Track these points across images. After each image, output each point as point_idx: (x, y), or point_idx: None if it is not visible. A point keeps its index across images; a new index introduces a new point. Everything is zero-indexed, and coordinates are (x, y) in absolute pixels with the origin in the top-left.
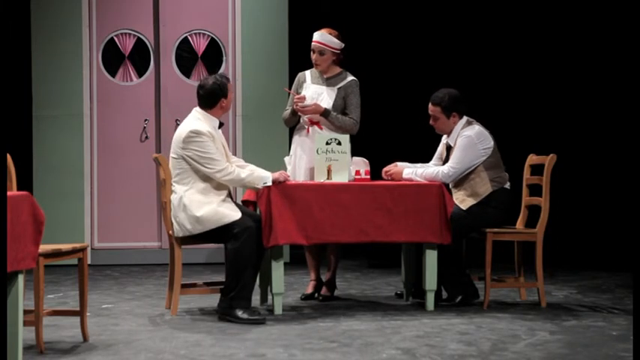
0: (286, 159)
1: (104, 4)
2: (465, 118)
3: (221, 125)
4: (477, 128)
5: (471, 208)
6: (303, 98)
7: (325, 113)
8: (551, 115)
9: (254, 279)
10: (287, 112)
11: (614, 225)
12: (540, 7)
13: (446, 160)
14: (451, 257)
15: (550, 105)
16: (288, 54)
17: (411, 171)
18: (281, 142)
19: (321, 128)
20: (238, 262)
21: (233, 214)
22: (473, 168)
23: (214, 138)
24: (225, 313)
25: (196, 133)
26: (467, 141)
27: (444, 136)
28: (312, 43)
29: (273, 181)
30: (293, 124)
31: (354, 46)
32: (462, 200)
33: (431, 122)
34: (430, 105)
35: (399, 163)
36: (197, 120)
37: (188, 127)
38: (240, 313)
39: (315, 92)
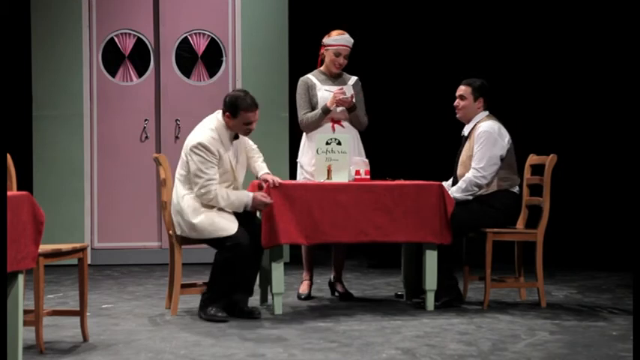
0: (300, 160)
1: (104, 4)
2: (486, 112)
3: (236, 137)
4: (493, 123)
5: (471, 208)
6: (344, 91)
7: (353, 107)
8: (551, 115)
9: (234, 288)
10: (312, 114)
11: (614, 225)
12: (540, 8)
13: (458, 155)
14: (444, 257)
15: (550, 105)
16: (289, 54)
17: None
18: (281, 142)
19: (343, 127)
20: (221, 272)
21: (229, 226)
22: (498, 165)
23: (221, 158)
24: (200, 311)
25: (203, 148)
26: (486, 136)
27: (463, 131)
28: (341, 48)
29: (254, 206)
30: (316, 127)
31: (356, 45)
32: None
33: (455, 103)
34: (461, 85)
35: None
36: (210, 131)
37: (199, 137)
38: (208, 310)
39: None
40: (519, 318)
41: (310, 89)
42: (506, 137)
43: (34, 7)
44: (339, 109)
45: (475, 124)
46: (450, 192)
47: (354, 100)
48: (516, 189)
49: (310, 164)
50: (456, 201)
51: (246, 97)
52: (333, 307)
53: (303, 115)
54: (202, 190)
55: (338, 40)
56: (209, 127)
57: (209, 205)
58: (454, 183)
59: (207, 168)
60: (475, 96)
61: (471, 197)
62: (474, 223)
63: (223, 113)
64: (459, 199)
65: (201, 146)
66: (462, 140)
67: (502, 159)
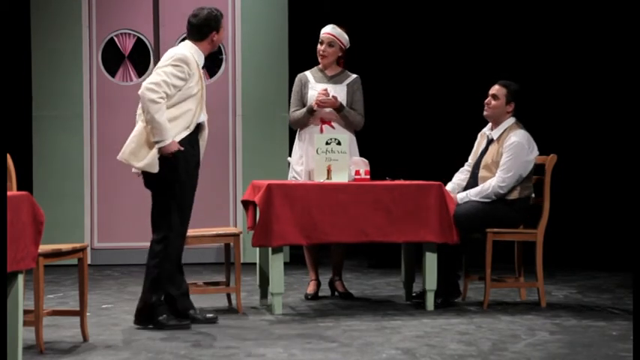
0: (290, 159)
1: (104, 4)
2: (514, 118)
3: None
4: (525, 134)
5: (497, 206)
6: (327, 93)
7: (340, 108)
8: (551, 115)
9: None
10: (299, 112)
11: (614, 225)
12: (540, 8)
13: (482, 155)
14: (452, 255)
15: (550, 105)
16: (288, 54)
17: (464, 194)
18: (281, 142)
19: (333, 127)
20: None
21: (150, 162)
22: (523, 177)
23: (201, 78)
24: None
25: (183, 62)
26: (519, 148)
27: (484, 129)
28: (322, 35)
29: (166, 147)
30: (303, 125)
31: (356, 46)
32: None
33: (487, 101)
34: (496, 85)
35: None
36: (190, 49)
37: (177, 51)
38: (168, 320)
39: None
40: (519, 318)
41: (304, 87)
42: (535, 150)
43: (34, 6)
44: (328, 109)
45: (505, 130)
46: (466, 194)
47: (339, 100)
48: (532, 194)
49: (298, 163)
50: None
51: (213, 10)
52: (333, 307)
53: (292, 112)
54: (154, 87)
55: (322, 29)
56: (188, 48)
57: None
58: (473, 184)
59: (175, 79)
60: (508, 99)
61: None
62: (494, 224)
63: (206, 36)
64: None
65: (180, 61)
66: (485, 141)
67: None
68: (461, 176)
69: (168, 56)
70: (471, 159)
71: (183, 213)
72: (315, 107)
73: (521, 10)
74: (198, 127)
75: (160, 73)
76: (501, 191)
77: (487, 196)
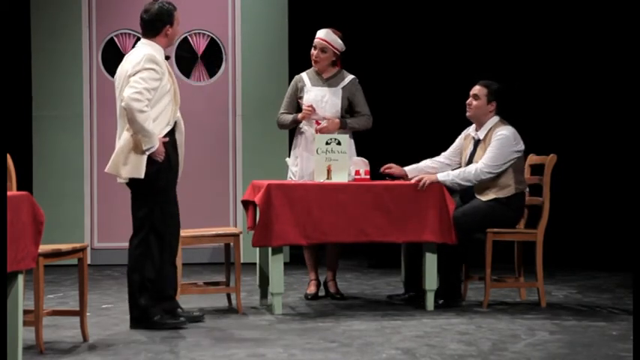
0: (288, 160)
1: (104, 4)
2: (497, 117)
3: (167, 58)
4: (512, 129)
5: (494, 206)
6: (312, 110)
7: (343, 125)
8: (551, 115)
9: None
10: (286, 116)
11: (614, 225)
12: (540, 7)
13: (471, 157)
14: (452, 256)
15: (550, 105)
16: (288, 54)
17: (445, 174)
18: (281, 142)
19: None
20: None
21: (136, 169)
22: (505, 168)
23: (170, 74)
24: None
25: (154, 62)
26: (504, 140)
27: (469, 130)
28: (315, 40)
29: (155, 151)
30: (287, 128)
31: (355, 45)
32: (483, 192)
33: (468, 102)
34: (477, 85)
35: (406, 168)
36: (151, 47)
37: (143, 53)
38: (164, 320)
39: (318, 95)
40: (519, 318)
41: (299, 90)
42: (521, 145)
43: (34, 6)
44: (322, 115)
45: (490, 130)
46: (447, 173)
47: (333, 108)
48: (527, 189)
49: (294, 164)
50: (474, 199)
51: (164, 4)
52: (333, 307)
53: (280, 113)
54: (138, 96)
55: (317, 33)
56: (148, 47)
57: (138, 146)
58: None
59: (153, 82)
60: (489, 99)
61: (457, 187)
62: (493, 224)
63: (159, 31)
64: (448, 184)
65: (152, 62)
66: (472, 143)
67: (511, 165)
68: (429, 163)
69: (136, 61)
70: (450, 153)
71: (167, 211)
72: (302, 120)
73: (521, 10)
74: (174, 123)
75: (138, 81)
76: (483, 177)
77: (468, 179)
